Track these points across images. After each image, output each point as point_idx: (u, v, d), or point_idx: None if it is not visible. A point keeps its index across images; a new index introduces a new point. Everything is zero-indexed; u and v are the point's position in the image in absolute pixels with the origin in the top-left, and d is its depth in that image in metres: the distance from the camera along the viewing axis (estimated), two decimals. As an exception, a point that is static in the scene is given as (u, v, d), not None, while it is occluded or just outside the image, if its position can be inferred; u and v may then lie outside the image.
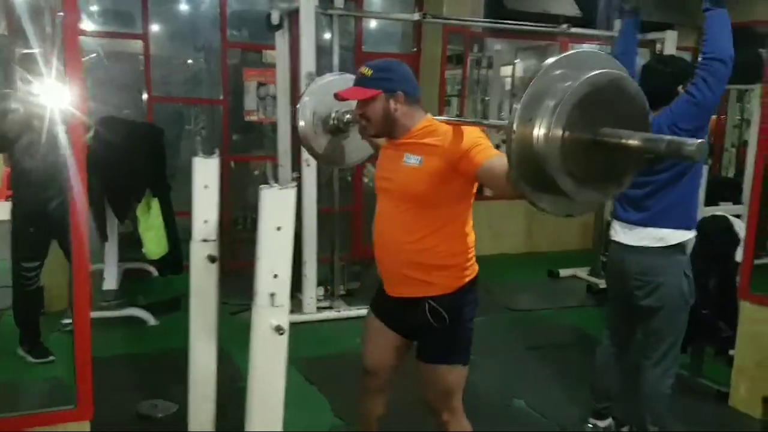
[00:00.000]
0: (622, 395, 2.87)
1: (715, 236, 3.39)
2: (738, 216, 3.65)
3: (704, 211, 4.67)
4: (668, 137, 1.27)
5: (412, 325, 2.13)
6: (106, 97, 5.28)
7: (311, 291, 4.45)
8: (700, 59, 2.50)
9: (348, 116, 2.28)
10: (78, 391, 1.81)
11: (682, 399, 3.34)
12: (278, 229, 1.57)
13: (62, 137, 1.91)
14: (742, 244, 3.30)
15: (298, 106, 2.46)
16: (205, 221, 2.24)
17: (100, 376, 3.35)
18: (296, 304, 4.51)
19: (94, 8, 5.25)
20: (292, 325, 4.23)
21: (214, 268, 2.26)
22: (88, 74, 5.26)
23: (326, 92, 2.30)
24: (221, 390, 2.47)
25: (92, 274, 4.79)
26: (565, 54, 1.36)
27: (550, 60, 1.33)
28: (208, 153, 2.25)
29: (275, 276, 1.58)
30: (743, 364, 3.25)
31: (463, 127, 1.96)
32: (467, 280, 2.09)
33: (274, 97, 5.09)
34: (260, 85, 5.49)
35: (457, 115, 6.49)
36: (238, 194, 5.73)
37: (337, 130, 2.41)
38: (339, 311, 4.54)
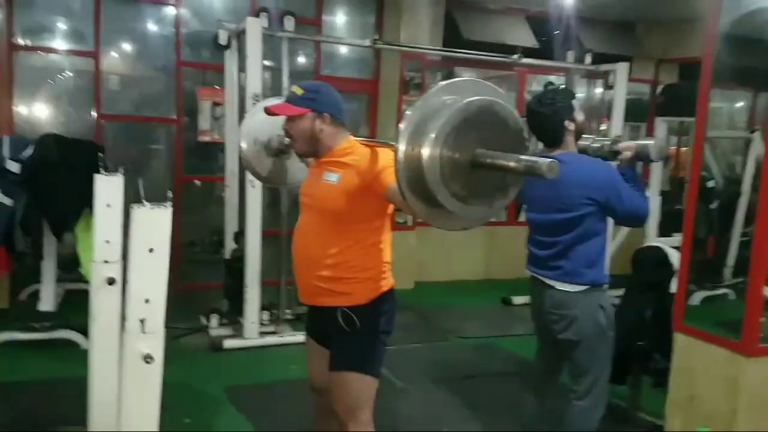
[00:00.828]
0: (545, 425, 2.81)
1: (649, 266, 3.38)
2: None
3: (657, 242, 4.69)
4: (526, 158, 1.36)
5: (327, 333, 2.21)
6: (54, 115, 5.23)
7: (253, 315, 4.36)
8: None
9: (287, 139, 2.33)
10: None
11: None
12: (150, 251, 1.51)
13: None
14: (676, 274, 3.28)
15: (239, 129, 2.57)
16: (107, 241, 2.16)
17: (15, 399, 3.27)
18: (238, 329, 4.43)
19: (45, 25, 5.19)
20: (232, 350, 4.23)
21: (115, 290, 2.17)
22: (38, 92, 5.21)
23: (266, 116, 2.37)
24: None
25: (33, 294, 4.72)
26: (448, 81, 1.47)
27: (434, 87, 1.44)
28: (113, 170, 2.18)
29: (146, 301, 1.51)
30: (677, 398, 3.19)
31: (380, 149, 2.06)
32: (381, 291, 2.16)
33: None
34: (215, 105, 5.45)
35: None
36: (198, 216, 5.66)
37: (278, 152, 2.50)
38: (282, 336, 4.46)
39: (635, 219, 2.56)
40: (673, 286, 3.36)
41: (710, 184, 5.88)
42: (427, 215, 1.50)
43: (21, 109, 5.12)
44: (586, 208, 2.45)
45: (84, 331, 4.19)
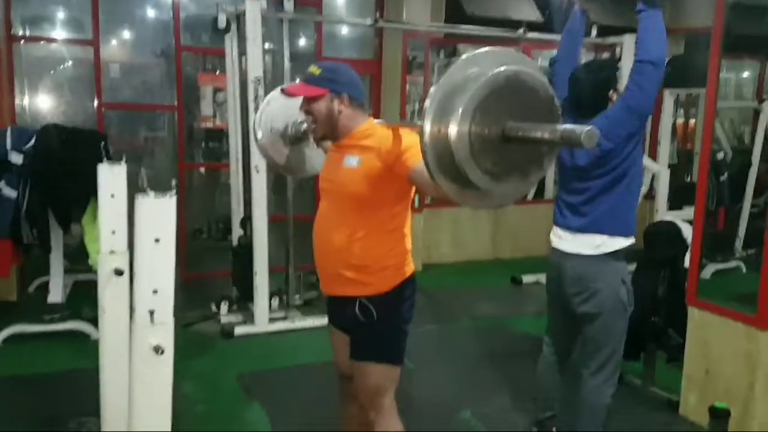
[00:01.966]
0: (564, 407, 2.79)
1: (662, 242, 3.34)
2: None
3: (667, 216, 4.65)
4: (562, 127, 1.29)
5: (347, 322, 2.18)
6: (55, 105, 5.20)
7: (263, 302, 4.34)
8: (633, 63, 2.44)
9: (304, 125, 2.29)
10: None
11: (634, 408, 3.31)
12: (156, 241, 1.48)
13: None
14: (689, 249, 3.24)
15: (254, 118, 2.49)
16: (113, 231, 2.14)
17: (32, 392, 3.27)
18: (248, 316, 4.42)
19: (44, 15, 5.14)
20: (242, 337, 4.22)
21: (123, 281, 2.15)
22: (38, 82, 5.18)
23: (282, 104, 2.35)
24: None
25: (41, 286, 4.72)
26: (470, 53, 1.39)
27: (457, 60, 1.37)
28: (116, 159, 2.15)
29: (155, 291, 1.48)
30: (692, 373, 3.18)
31: (401, 130, 2.00)
32: (402, 279, 2.12)
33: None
34: (217, 90, 5.40)
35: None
36: (204, 203, 5.64)
37: (295, 139, 2.44)
38: (293, 322, 4.45)
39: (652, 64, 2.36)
40: (686, 261, 3.33)
41: (719, 155, 5.82)
42: (458, 195, 1.43)
43: (22, 100, 5.09)
44: (616, 153, 2.42)
45: (94, 322, 4.20)
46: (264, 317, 4.34)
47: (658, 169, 5.35)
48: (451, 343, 4.15)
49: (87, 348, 4.01)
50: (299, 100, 2.19)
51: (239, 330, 4.26)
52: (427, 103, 1.34)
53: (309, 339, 4.25)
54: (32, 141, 3.96)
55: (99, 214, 2.16)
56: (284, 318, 4.49)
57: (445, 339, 4.16)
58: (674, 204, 5.61)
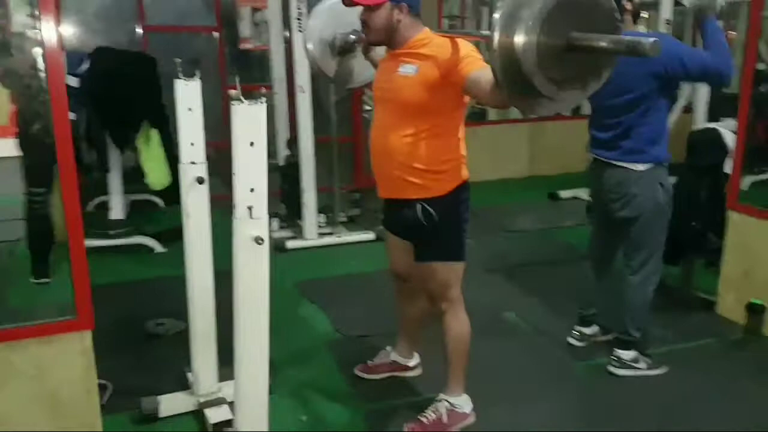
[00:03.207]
0: (607, 305, 2.97)
1: (704, 149, 3.41)
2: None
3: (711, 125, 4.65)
4: (628, 38, 1.36)
5: (407, 226, 2.27)
6: (99, 29, 5.28)
7: (312, 218, 4.55)
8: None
9: (351, 37, 2.37)
10: (77, 300, 1.92)
11: (672, 309, 3.46)
12: (251, 144, 1.63)
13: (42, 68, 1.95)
14: (730, 155, 3.31)
15: (302, 30, 2.58)
16: (192, 144, 2.30)
17: (110, 299, 3.53)
18: (298, 231, 4.64)
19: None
20: (294, 251, 4.43)
21: (204, 189, 2.33)
22: (81, 7, 5.25)
23: (330, 15, 2.45)
24: (223, 306, 2.59)
25: (99, 205, 4.97)
26: None
27: None
28: (189, 76, 2.28)
29: (252, 190, 1.64)
30: (730, 274, 3.32)
31: (457, 39, 2.06)
32: (458, 183, 2.22)
33: (268, 23, 5.03)
34: (255, 10, 5.41)
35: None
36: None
37: (343, 50, 2.52)
38: (339, 237, 4.66)
39: (713, 75, 2.48)
40: (727, 167, 3.41)
41: (760, 66, 5.71)
42: (519, 102, 1.52)
43: (66, 25, 5.18)
44: (647, 86, 2.49)
45: (156, 237, 4.46)
46: (313, 232, 4.55)
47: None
48: (492, 254, 4.31)
49: (151, 260, 4.30)
50: (346, 12, 2.25)
51: (291, 244, 4.49)
52: (497, 14, 1.41)
53: (355, 251, 4.47)
54: (85, 64, 4.10)
55: (178, 126, 2.30)
56: (331, 233, 4.70)
57: (486, 250, 4.32)
58: (712, 117, 5.59)
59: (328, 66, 2.57)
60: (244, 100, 1.63)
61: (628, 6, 2.57)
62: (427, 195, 2.19)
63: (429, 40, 2.13)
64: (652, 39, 1.28)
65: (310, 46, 2.51)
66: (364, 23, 2.17)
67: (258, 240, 1.65)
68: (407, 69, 2.12)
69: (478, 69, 1.94)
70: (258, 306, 1.73)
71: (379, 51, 2.40)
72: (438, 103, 2.10)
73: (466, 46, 2.04)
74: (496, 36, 1.39)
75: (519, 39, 1.37)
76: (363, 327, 3.22)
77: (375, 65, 2.47)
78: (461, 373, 2.40)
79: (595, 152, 2.72)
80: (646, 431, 2.47)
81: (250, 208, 1.65)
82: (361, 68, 2.58)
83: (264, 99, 1.66)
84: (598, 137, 2.68)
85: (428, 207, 2.19)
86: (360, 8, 2.16)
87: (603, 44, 1.37)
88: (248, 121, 1.63)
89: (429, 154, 2.14)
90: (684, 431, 2.46)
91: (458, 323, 2.36)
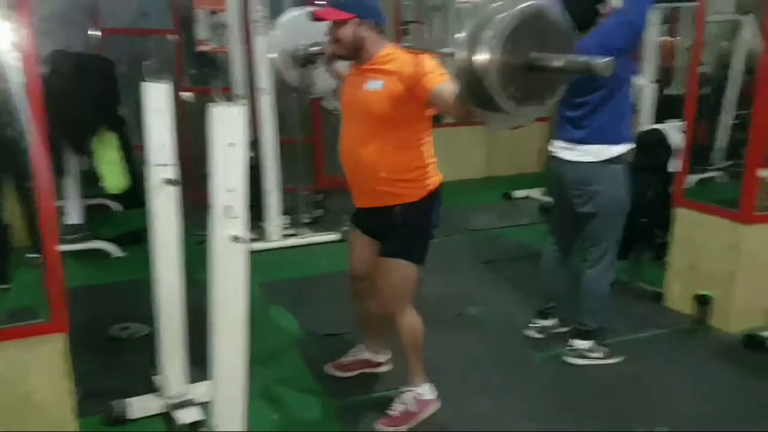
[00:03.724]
0: (565, 298, 3.10)
1: (651, 149, 3.59)
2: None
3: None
4: (583, 58, 1.47)
5: (380, 228, 2.39)
6: (54, 32, 5.16)
7: (275, 219, 4.57)
8: None
9: (313, 48, 2.41)
10: (51, 303, 1.91)
11: (622, 301, 3.61)
12: (230, 145, 1.67)
13: (13, 71, 1.95)
14: (674, 154, 3.50)
15: (263, 34, 2.60)
16: (162, 144, 2.31)
17: (71, 304, 3.45)
18: (261, 233, 4.65)
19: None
20: (257, 252, 4.44)
21: (172, 191, 2.34)
22: (35, 9, 5.12)
23: (292, 27, 2.45)
24: (190, 311, 2.61)
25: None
26: None
27: None
28: (157, 79, 2.29)
29: (230, 190, 1.69)
30: (677, 266, 3.50)
31: (421, 55, 2.16)
32: (429, 189, 2.34)
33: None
34: (212, 13, 5.38)
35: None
36: (199, 129, 5.71)
37: (305, 61, 2.58)
38: (303, 238, 4.69)
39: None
40: (671, 166, 3.60)
41: (701, 69, 6.00)
42: (482, 116, 1.61)
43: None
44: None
45: (114, 241, 4.41)
46: (277, 234, 4.58)
47: (643, 84, 5.55)
48: (452, 253, 4.42)
49: (110, 264, 4.25)
50: (308, 24, 2.31)
51: (254, 246, 4.48)
52: (462, 33, 1.49)
53: (319, 253, 4.51)
54: (42, 67, 4.02)
55: (147, 128, 2.31)
56: (295, 235, 4.73)
57: (446, 249, 4.42)
58: (657, 118, 5.85)
59: (290, 76, 2.60)
60: (222, 101, 1.67)
61: (603, 10, 2.67)
62: (400, 202, 2.30)
63: (394, 56, 2.22)
64: (606, 59, 1.40)
65: (274, 56, 2.55)
66: (333, 38, 2.24)
67: (237, 239, 1.69)
68: (374, 84, 2.20)
69: (441, 83, 2.04)
70: (236, 305, 1.77)
71: (342, 63, 2.46)
72: (404, 116, 2.20)
73: (429, 62, 2.13)
74: (461, 54, 1.48)
75: (482, 57, 1.46)
76: (331, 326, 3.27)
77: (337, 77, 2.54)
78: (419, 365, 2.50)
79: (560, 142, 2.83)
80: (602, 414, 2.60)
81: (227, 208, 1.69)
82: (322, 78, 2.62)
83: (244, 102, 1.70)
84: (567, 115, 2.79)
85: (403, 210, 2.31)
86: (327, 22, 2.23)
87: (560, 64, 1.47)
88: (227, 121, 1.67)
89: (397, 164, 2.25)
90: (637, 412, 2.59)
91: (409, 319, 2.43)
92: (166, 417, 2.51)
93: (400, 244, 2.36)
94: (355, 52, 2.24)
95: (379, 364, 2.83)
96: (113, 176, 4.30)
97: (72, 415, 2.02)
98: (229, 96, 1.72)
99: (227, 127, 1.67)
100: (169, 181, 2.31)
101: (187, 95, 1.69)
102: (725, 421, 2.57)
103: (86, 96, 4.08)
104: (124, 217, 4.93)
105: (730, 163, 5.91)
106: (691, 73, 3.43)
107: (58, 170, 4.34)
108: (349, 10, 2.18)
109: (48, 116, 3.98)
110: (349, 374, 2.81)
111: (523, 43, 1.47)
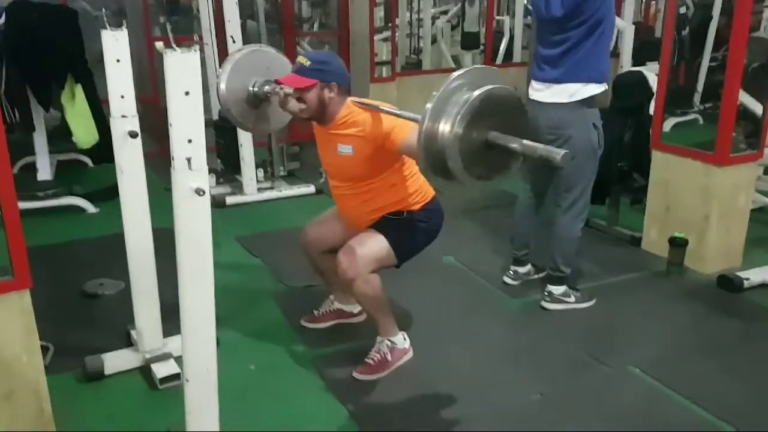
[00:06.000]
0: (539, 244, 3.11)
1: (629, 91, 3.55)
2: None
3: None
4: (541, 146, 1.50)
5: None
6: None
7: (250, 173, 4.50)
8: None
9: (266, 88, 2.40)
10: (13, 259, 1.87)
11: (599, 245, 3.66)
12: (186, 93, 1.60)
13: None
14: (656, 97, 3.46)
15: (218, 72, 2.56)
16: (122, 96, 2.24)
17: (44, 261, 3.44)
18: (236, 187, 4.59)
19: None
20: (234, 206, 4.40)
21: (137, 143, 2.28)
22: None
23: (245, 65, 2.42)
24: (163, 262, 2.57)
25: (26, 166, 4.76)
26: (467, 69, 1.60)
27: (455, 74, 1.57)
28: (116, 26, 2.20)
29: (189, 141, 1.62)
30: (654, 210, 3.52)
31: (378, 114, 2.24)
32: (426, 201, 2.48)
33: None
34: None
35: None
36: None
37: (257, 102, 2.50)
38: (280, 191, 4.64)
39: None
40: (651, 109, 3.57)
41: (681, 10, 5.92)
42: (441, 182, 1.64)
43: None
44: (590, 2, 2.58)
45: (86, 197, 4.33)
46: (253, 187, 4.52)
47: (623, 26, 5.47)
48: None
49: (83, 220, 4.18)
50: (264, 60, 2.42)
51: (230, 200, 4.45)
52: (429, 105, 1.51)
53: (295, 205, 4.48)
54: (1, 18, 3.88)
55: (107, 79, 2.23)
56: (271, 188, 4.68)
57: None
58: (637, 61, 5.79)
59: (244, 116, 2.50)
60: (176, 48, 1.59)
61: None
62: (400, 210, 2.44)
63: (354, 118, 2.30)
64: (564, 152, 1.42)
65: (222, 86, 2.42)
66: (298, 101, 2.30)
67: (198, 191, 1.64)
68: (344, 150, 2.33)
69: (409, 135, 2.12)
70: (201, 257, 1.73)
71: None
72: (382, 165, 2.35)
73: (387, 118, 2.21)
74: (425, 125, 1.52)
75: (444, 129, 1.51)
76: (307, 278, 3.26)
77: (293, 115, 2.46)
78: (389, 318, 2.50)
79: (536, 83, 2.80)
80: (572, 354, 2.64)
81: (188, 159, 1.64)
82: (277, 115, 2.55)
83: (197, 47, 1.63)
84: (544, 54, 2.76)
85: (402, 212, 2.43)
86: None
87: (519, 148, 1.51)
88: (182, 69, 1.60)
89: (386, 200, 2.41)
90: (606, 350, 2.63)
91: (368, 285, 2.36)
92: (143, 371, 2.51)
93: (392, 228, 2.41)
94: (321, 114, 2.32)
95: (354, 315, 2.83)
96: (83, 130, 4.20)
97: (41, 372, 2.00)
98: (186, 43, 1.64)
99: (182, 74, 1.59)
100: (132, 134, 2.24)
101: (160, 44, 1.60)
102: (693, 354, 2.63)
103: (49, 46, 3.95)
104: (97, 172, 4.83)
105: (708, 105, 5.89)
106: (669, 14, 3.37)
107: (27, 125, 4.24)
108: (312, 75, 2.25)
109: (10, 68, 3.95)
110: (323, 325, 2.81)
111: (485, 122, 1.53)
